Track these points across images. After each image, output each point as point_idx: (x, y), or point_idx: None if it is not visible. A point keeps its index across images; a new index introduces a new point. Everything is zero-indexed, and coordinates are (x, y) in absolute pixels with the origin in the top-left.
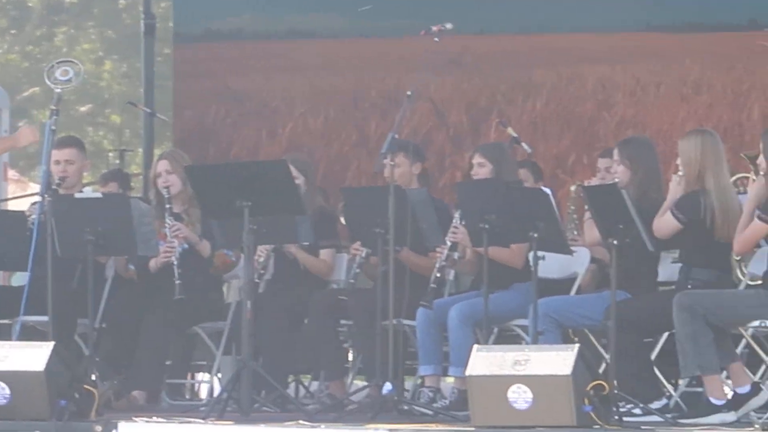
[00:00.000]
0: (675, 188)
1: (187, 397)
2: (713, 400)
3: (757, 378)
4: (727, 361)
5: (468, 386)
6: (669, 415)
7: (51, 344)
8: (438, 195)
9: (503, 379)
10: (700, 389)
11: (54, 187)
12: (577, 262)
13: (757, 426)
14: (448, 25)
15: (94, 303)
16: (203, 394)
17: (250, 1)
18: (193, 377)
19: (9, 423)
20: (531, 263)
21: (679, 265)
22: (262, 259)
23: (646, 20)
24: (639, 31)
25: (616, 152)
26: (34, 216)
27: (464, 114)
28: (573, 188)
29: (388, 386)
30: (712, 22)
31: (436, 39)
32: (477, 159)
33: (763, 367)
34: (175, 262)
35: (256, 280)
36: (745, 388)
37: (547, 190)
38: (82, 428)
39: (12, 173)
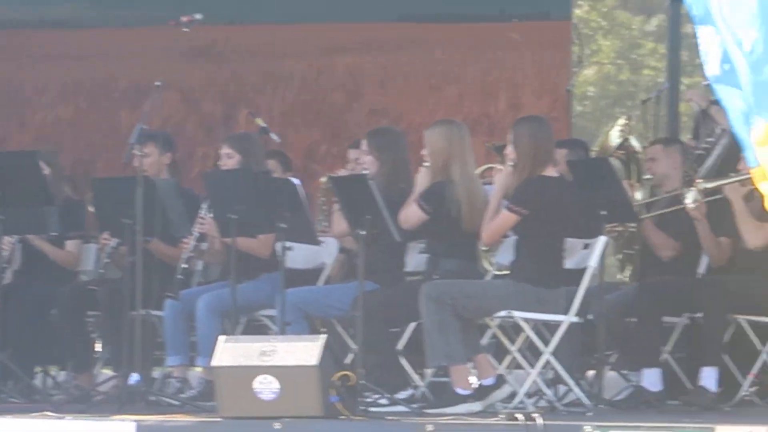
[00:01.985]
0: (422, 179)
1: None
2: (459, 391)
3: (503, 368)
4: (474, 352)
5: (214, 377)
6: (415, 405)
7: None
8: (190, 185)
9: (249, 369)
10: (446, 379)
11: None
12: (325, 253)
13: (502, 416)
14: (198, 16)
15: None
16: None
17: None
18: None
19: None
20: (279, 253)
21: (426, 255)
22: (5, 253)
23: (395, 10)
24: (388, 21)
25: (364, 143)
26: None
27: (215, 104)
28: (323, 179)
29: (135, 377)
30: (461, 13)
31: (186, 29)
32: (225, 150)
33: (509, 358)
34: None
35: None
36: (490, 380)
37: (296, 181)
38: None
39: None
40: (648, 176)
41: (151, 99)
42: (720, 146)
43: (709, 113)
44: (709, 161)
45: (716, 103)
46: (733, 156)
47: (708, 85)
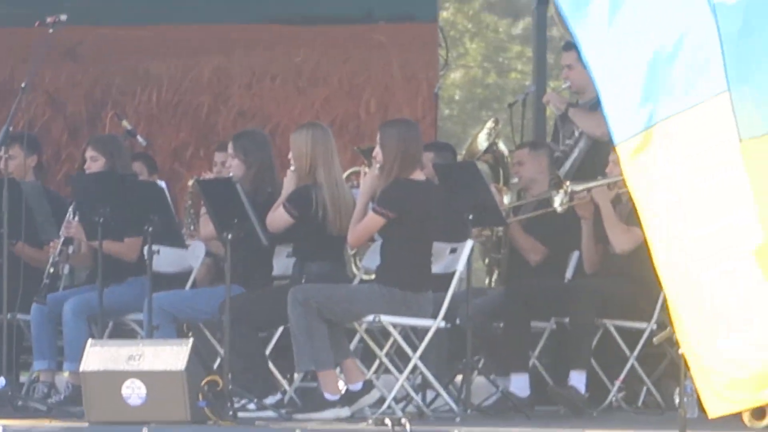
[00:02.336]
0: (288, 182)
1: None
2: (327, 396)
3: (371, 373)
4: (342, 357)
5: (82, 381)
6: (283, 410)
7: None
8: (56, 187)
9: (117, 374)
10: (314, 384)
11: None
12: (192, 256)
13: (370, 421)
14: (63, 17)
15: None
16: None
17: None
18: None
19: None
20: (146, 257)
21: (294, 259)
22: None
23: (262, 12)
24: (255, 22)
25: (230, 146)
26: None
27: (81, 106)
28: (190, 182)
29: (1, 381)
30: (328, 14)
31: (51, 30)
32: (89, 152)
33: (377, 363)
34: None
35: None
36: (358, 385)
37: (162, 184)
38: None
39: None
40: (515, 180)
41: (16, 100)
42: (578, 149)
43: (568, 116)
44: (567, 164)
45: (574, 105)
46: (591, 159)
47: (566, 87)
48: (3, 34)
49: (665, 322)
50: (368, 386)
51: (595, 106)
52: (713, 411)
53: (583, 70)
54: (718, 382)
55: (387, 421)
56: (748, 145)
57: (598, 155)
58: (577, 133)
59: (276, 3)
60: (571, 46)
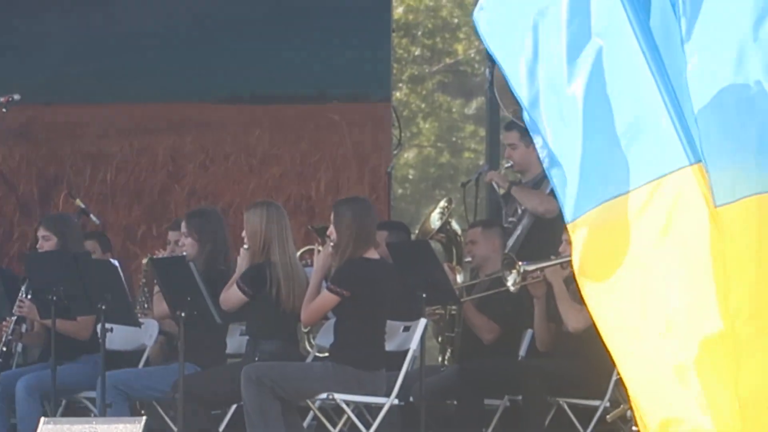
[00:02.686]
0: (242, 260)
1: None
2: None
3: None
4: None
5: None
6: None
7: None
8: (8, 265)
9: None
10: None
11: None
12: (146, 335)
13: None
14: (16, 96)
15: None
16: None
17: None
18: None
19: None
20: (99, 335)
21: (247, 337)
22: None
23: (215, 91)
24: (208, 101)
25: (183, 224)
26: None
27: (33, 185)
28: (144, 261)
29: None
30: (281, 94)
31: (4, 110)
32: (41, 231)
33: None
34: None
35: None
36: None
37: (115, 262)
38: None
39: None
40: (468, 259)
41: None
42: (522, 226)
43: (511, 194)
44: (511, 241)
45: (517, 183)
46: (534, 235)
47: (509, 167)
48: None
49: (618, 400)
50: None
51: (538, 183)
52: None
53: (526, 150)
54: None
55: None
56: (722, 212)
57: (541, 232)
58: (520, 211)
59: (229, 82)
60: (512, 126)
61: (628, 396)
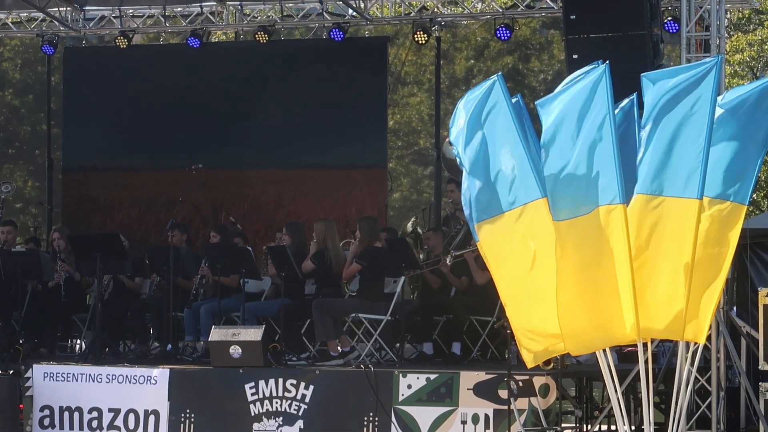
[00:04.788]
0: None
1: (68, 351)
2: (332, 353)
3: (353, 342)
4: (339, 334)
5: (210, 347)
6: (310, 360)
7: None
8: (196, 251)
9: (227, 343)
10: (325, 348)
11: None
12: (264, 284)
13: (353, 366)
14: (200, 165)
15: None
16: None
17: None
18: (72, 341)
19: None
20: (241, 284)
21: (315, 285)
22: (105, 282)
23: (304, 160)
24: (299, 168)
25: (285, 229)
26: None
27: (209, 209)
28: (264, 248)
29: (169, 346)
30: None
31: (194, 171)
32: (213, 233)
33: (356, 337)
34: (62, 283)
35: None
36: (347, 348)
37: (249, 249)
38: (16, 367)
39: None
40: (425, 247)
41: (175, 209)
42: (461, 233)
43: (456, 215)
44: (456, 240)
45: (459, 209)
46: (466, 237)
47: (450, 201)
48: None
49: (501, 317)
50: (352, 349)
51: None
52: (527, 362)
53: (458, 193)
54: (529, 346)
55: (361, 365)
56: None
57: (470, 235)
58: (459, 225)
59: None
60: (451, 180)
61: (505, 314)
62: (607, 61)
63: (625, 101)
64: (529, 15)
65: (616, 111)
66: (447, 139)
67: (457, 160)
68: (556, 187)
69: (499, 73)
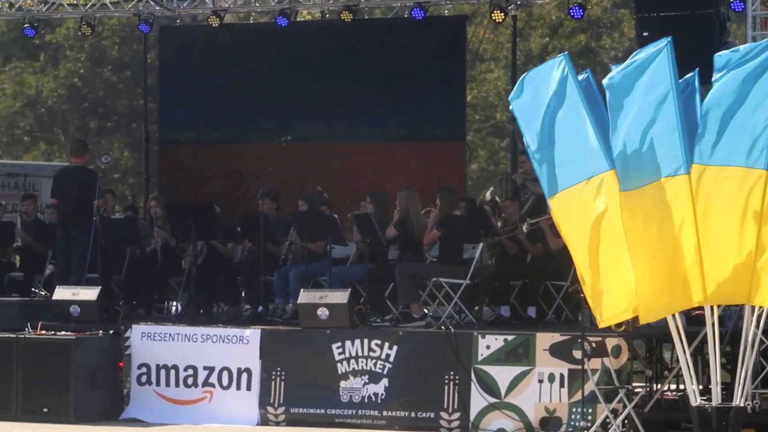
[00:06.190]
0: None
1: (165, 313)
2: (414, 315)
3: (434, 305)
4: (419, 297)
5: (299, 309)
6: (394, 322)
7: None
8: (280, 217)
9: (315, 305)
10: (408, 310)
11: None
12: (350, 250)
13: (434, 327)
14: (289, 137)
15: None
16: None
17: None
18: (168, 303)
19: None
20: (327, 250)
21: (398, 250)
22: (198, 248)
23: (386, 132)
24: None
25: (368, 198)
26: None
27: (297, 181)
28: (349, 215)
29: (260, 308)
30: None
31: (283, 143)
32: (301, 202)
33: (437, 300)
34: (158, 248)
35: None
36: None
37: (335, 216)
38: (116, 327)
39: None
40: (503, 215)
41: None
42: (530, 202)
43: (525, 185)
44: (525, 208)
45: (530, 179)
46: (537, 205)
47: (522, 171)
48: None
49: (574, 281)
50: (424, 316)
51: (534, 180)
52: (599, 325)
53: (530, 164)
54: (601, 310)
55: (442, 327)
56: (622, 196)
57: (540, 203)
58: (528, 194)
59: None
60: (524, 152)
61: (578, 279)
62: (670, 37)
63: (688, 75)
64: None
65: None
66: None
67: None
68: (623, 159)
69: (566, 53)
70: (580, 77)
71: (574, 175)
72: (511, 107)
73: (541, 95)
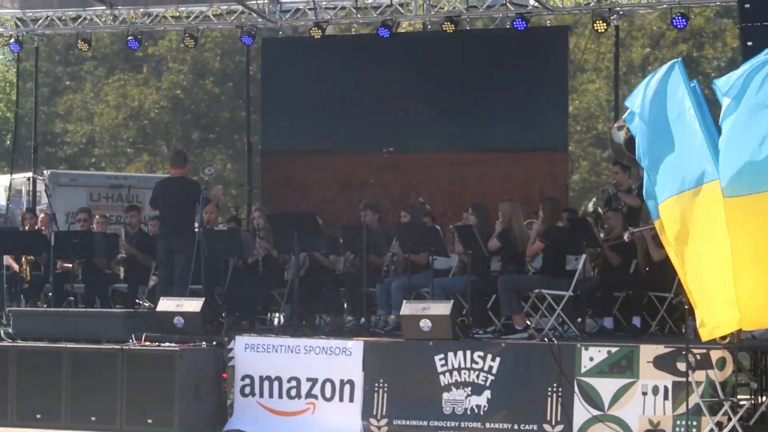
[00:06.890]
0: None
1: (268, 324)
2: (517, 327)
3: (537, 317)
4: (522, 308)
5: (402, 320)
6: (496, 334)
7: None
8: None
9: (418, 317)
10: (510, 322)
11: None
12: (452, 261)
13: (537, 339)
14: (391, 149)
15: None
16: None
17: None
18: (271, 314)
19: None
20: (430, 262)
21: (500, 262)
22: (301, 260)
23: (461, 144)
24: (460, 152)
25: (470, 210)
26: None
27: (400, 190)
28: (451, 227)
29: (362, 319)
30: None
31: (386, 155)
32: (402, 213)
33: (540, 311)
34: (260, 259)
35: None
36: (532, 322)
37: (438, 227)
38: (220, 338)
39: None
40: (605, 226)
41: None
42: (624, 210)
43: (617, 195)
44: None
45: (622, 191)
46: (632, 216)
47: (614, 183)
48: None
49: (678, 292)
50: (527, 328)
51: (627, 191)
52: (703, 337)
53: (623, 175)
54: (706, 321)
55: (545, 338)
56: (729, 203)
57: (632, 214)
58: (622, 203)
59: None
60: (616, 162)
61: (683, 291)
62: None
63: None
64: (704, 4)
65: None
66: (614, 125)
67: (633, 139)
68: (731, 166)
69: (679, 59)
70: (691, 84)
71: (684, 180)
72: (624, 115)
73: (657, 100)
